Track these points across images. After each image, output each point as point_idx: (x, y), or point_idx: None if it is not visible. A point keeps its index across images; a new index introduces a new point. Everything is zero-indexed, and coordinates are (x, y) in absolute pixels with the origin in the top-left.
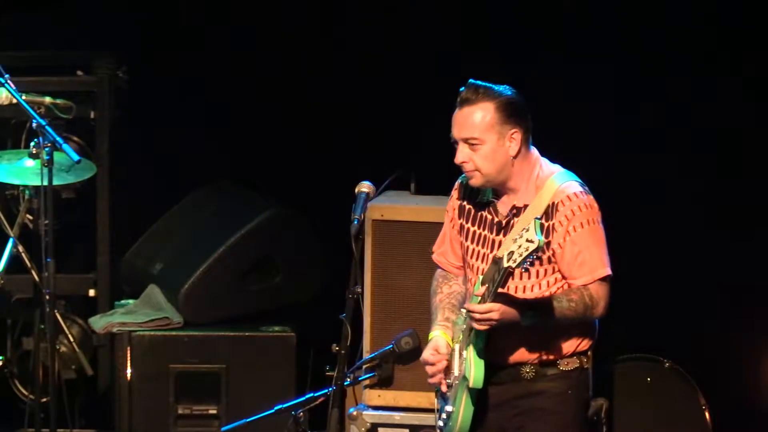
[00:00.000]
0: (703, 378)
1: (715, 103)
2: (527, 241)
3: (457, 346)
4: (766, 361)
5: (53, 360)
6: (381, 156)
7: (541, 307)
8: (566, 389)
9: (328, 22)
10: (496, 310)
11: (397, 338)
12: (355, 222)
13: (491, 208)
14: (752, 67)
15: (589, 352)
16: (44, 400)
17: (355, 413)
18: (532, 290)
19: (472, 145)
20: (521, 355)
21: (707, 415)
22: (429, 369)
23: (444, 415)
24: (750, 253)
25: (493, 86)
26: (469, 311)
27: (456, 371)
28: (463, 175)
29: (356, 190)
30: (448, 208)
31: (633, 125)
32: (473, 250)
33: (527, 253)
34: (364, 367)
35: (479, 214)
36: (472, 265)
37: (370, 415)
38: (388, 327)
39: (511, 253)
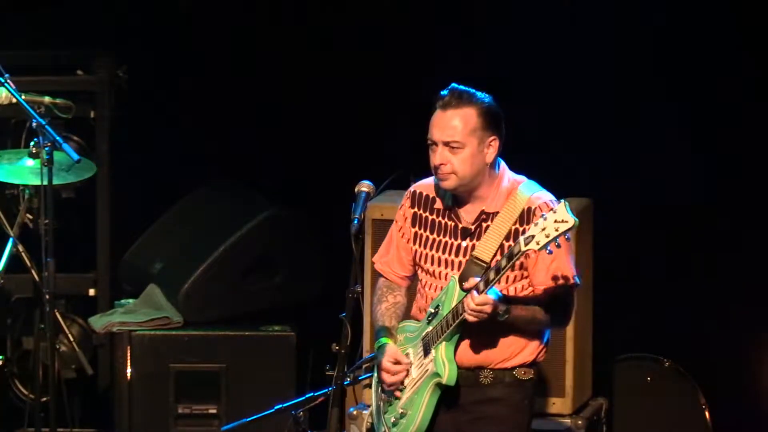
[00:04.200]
0: (703, 378)
1: (715, 103)
2: (557, 222)
3: (410, 351)
4: (766, 361)
5: (53, 360)
6: (381, 156)
7: (515, 307)
8: (522, 398)
9: (328, 22)
10: (490, 303)
11: None
12: (355, 221)
13: (452, 215)
14: None
15: (539, 364)
16: (44, 399)
17: (355, 413)
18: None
19: (453, 148)
20: (481, 359)
21: (707, 415)
22: (389, 378)
23: (393, 418)
24: (750, 253)
25: (476, 92)
26: (464, 302)
27: (414, 373)
28: (416, 184)
29: (356, 190)
30: (398, 218)
31: (633, 123)
32: (432, 256)
33: (557, 233)
34: (364, 366)
35: (438, 221)
36: (434, 271)
37: (370, 415)
38: None
39: (531, 237)
